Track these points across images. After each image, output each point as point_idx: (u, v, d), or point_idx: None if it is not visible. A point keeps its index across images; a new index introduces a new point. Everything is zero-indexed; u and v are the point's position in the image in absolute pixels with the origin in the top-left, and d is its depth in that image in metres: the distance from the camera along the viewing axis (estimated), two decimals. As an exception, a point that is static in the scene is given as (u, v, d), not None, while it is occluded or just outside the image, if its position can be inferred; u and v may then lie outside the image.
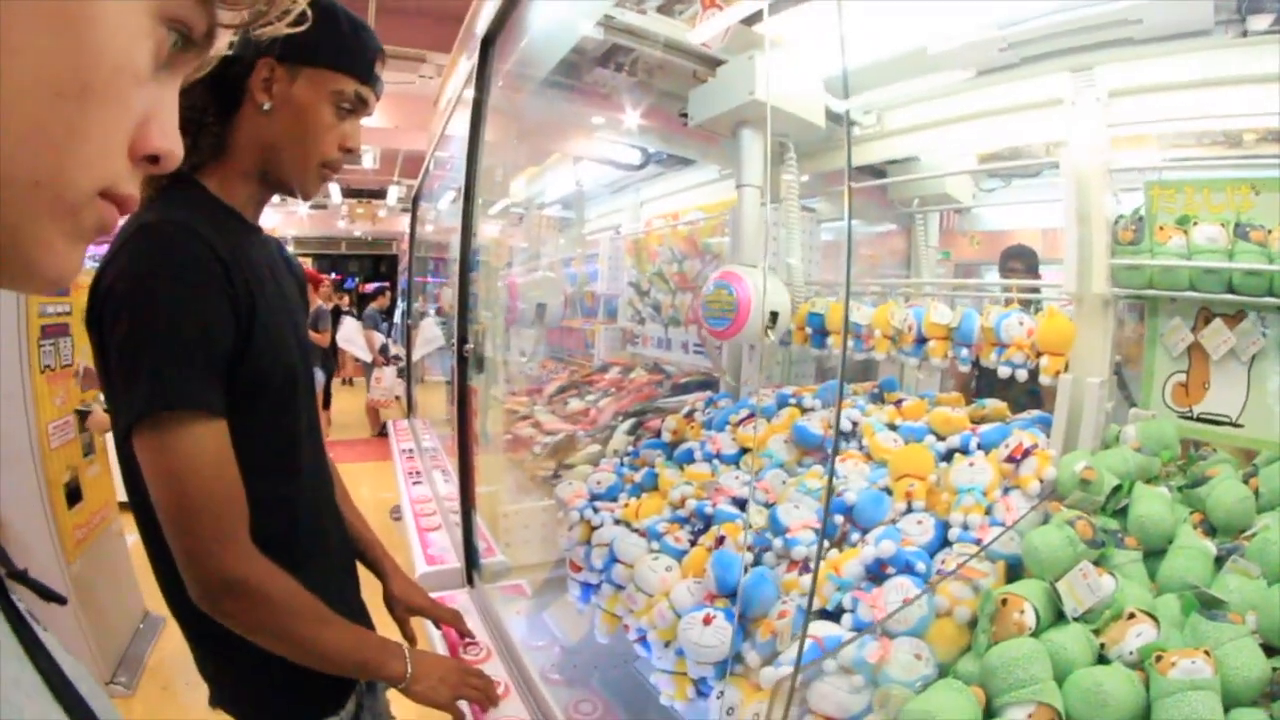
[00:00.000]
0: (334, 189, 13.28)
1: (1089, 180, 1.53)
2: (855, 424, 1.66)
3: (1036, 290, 2.13)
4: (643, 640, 1.39)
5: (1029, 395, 1.80)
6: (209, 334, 0.99)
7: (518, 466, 2.45)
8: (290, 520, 1.17)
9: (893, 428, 1.64)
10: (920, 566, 1.20)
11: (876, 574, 1.20)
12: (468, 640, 1.64)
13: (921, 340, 1.70)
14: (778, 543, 1.31)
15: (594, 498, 1.71)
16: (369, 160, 10.24)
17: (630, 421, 2.22)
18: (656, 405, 2.46)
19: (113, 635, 3.26)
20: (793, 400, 1.77)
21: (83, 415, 3.17)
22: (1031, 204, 2.16)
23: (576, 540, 1.62)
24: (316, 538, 1.24)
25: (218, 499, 1.00)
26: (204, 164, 1.11)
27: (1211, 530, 1.30)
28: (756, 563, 1.31)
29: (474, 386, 2.09)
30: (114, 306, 0.97)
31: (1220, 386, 1.49)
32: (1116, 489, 1.34)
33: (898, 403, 1.71)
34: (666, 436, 1.85)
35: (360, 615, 1.35)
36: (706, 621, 1.20)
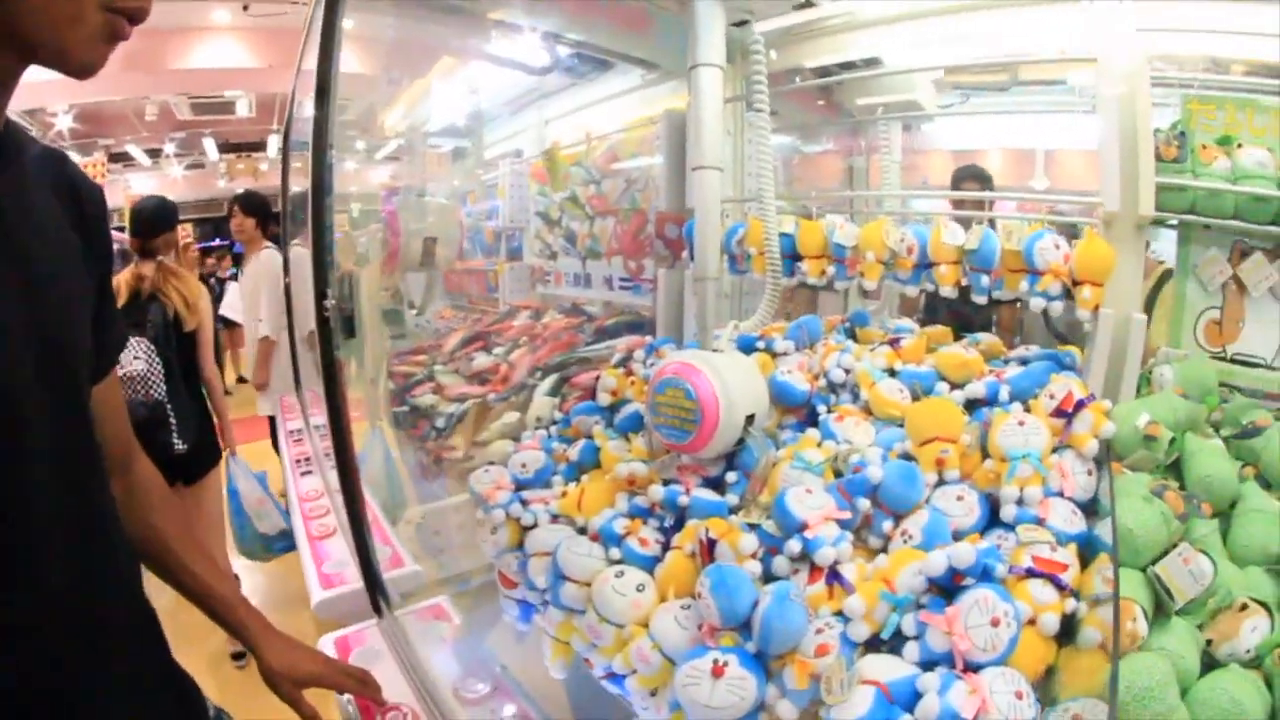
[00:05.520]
0: (209, 145, 12.07)
1: (1127, 84, 1.27)
2: (848, 371, 1.33)
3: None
4: (614, 677, 1.04)
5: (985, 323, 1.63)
6: None
7: (419, 447, 2.02)
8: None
9: (892, 373, 1.32)
10: (1000, 570, 0.89)
11: (946, 585, 0.87)
12: (387, 708, 1.27)
13: (924, 265, 1.39)
14: (792, 545, 0.96)
15: (519, 485, 1.32)
16: (244, 108, 9.25)
17: (551, 379, 1.84)
18: (579, 355, 2.06)
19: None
20: (760, 344, 1.42)
21: None
22: (1006, 116, 1.95)
23: (504, 546, 1.23)
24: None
25: None
26: None
27: (1265, 485, 1.17)
28: (767, 576, 0.97)
29: (342, 359, 1.63)
30: None
31: (1255, 326, 1.40)
32: (1169, 443, 1.15)
33: (893, 342, 1.39)
34: (604, 399, 1.47)
35: None
36: (717, 673, 0.85)
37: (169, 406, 2.84)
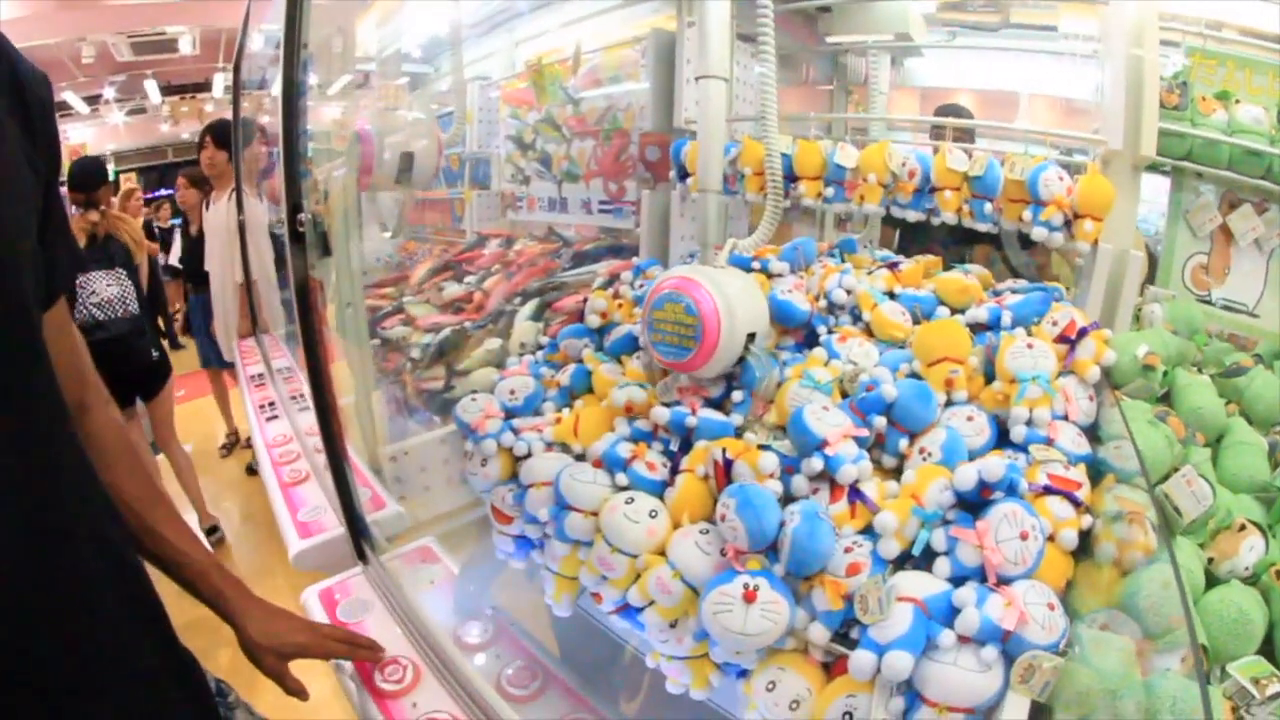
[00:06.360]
0: (151, 87, 11.23)
1: (1137, 25, 1.31)
2: (849, 292, 1.30)
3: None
4: (626, 610, 1.00)
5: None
6: None
7: (394, 380, 1.91)
8: None
9: (892, 296, 1.30)
10: (1023, 485, 0.88)
11: (974, 501, 0.86)
12: (385, 662, 1.18)
13: (925, 191, 1.38)
14: (814, 463, 0.94)
15: (509, 414, 1.26)
16: (187, 45, 8.63)
17: (533, 304, 1.76)
18: (559, 280, 1.99)
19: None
20: (755, 265, 1.37)
21: None
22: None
23: (496, 479, 1.18)
24: None
25: None
26: None
27: (1248, 421, 1.23)
28: (785, 497, 0.94)
29: (316, 279, 1.51)
30: None
31: (1239, 274, 1.47)
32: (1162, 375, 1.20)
33: (892, 265, 1.36)
34: (594, 321, 1.42)
35: None
36: (749, 599, 0.82)
37: (144, 320, 3.25)
